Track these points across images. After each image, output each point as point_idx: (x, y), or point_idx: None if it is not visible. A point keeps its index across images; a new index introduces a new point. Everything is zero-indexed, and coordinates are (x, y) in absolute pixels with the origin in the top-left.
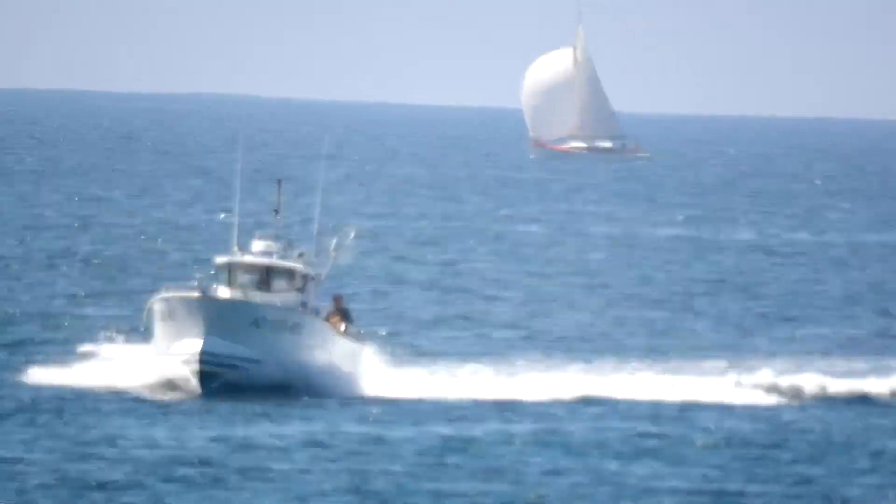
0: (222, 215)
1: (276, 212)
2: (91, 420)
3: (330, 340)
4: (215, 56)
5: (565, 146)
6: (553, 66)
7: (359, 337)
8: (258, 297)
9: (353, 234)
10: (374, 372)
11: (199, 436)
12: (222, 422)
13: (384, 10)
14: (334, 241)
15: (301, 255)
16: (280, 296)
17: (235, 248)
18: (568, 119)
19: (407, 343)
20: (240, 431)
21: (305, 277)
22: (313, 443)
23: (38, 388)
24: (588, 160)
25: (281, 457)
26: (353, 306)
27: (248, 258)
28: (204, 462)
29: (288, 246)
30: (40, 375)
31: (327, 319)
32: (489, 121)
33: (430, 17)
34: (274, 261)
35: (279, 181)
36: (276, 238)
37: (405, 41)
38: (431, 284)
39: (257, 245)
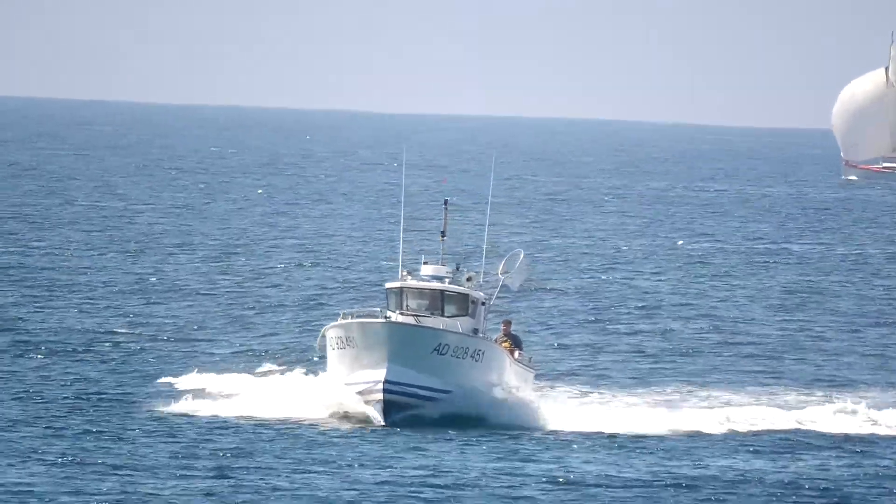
0: None
1: (443, 234)
2: (290, 454)
3: (507, 368)
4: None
5: (877, 167)
6: (865, 87)
7: (529, 364)
8: (431, 322)
9: (521, 257)
10: (547, 401)
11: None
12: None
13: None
14: (503, 263)
15: (470, 278)
16: (452, 321)
17: (404, 273)
18: (880, 139)
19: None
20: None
21: (476, 302)
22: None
23: (197, 419)
24: None
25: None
26: (518, 328)
27: (421, 283)
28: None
29: (457, 270)
30: (196, 406)
31: (497, 344)
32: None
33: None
34: (447, 285)
35: (445, 202)
36: (445, 261)
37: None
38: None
39: (426, 269)
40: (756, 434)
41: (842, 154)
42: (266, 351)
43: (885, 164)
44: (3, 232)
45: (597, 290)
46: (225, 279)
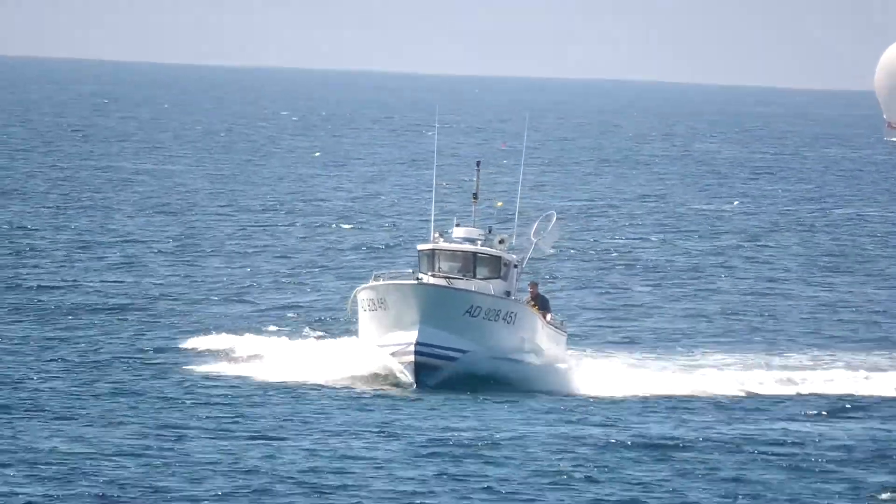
0: None
1: (475, 196)
2: (320, 417)
3: (539, 330)
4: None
5: None
6: None
7: (560, 326)
8: (463, 285)
9: (554, 219)
10: (578, 364)
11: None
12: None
13: None
14: (535, 226)
15: (502, 241)
16: (484, 283)
17: (436, 235)
18: None
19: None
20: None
21: (508, 265)
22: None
23: (228, 382)
24: None
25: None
26: (546, 289)
27: (453, 245)
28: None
29: (489, 232)
30: (223, 368)
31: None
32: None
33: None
34: (479, 248)
35: (478, 163)
36: (477, 224)
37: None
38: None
39: (459, 231)
40: (813, 396)
41: (885, 116)
42: (300, 312)
43: None
44: (54, 193)
45: (644, 252)
46: (266, 240)
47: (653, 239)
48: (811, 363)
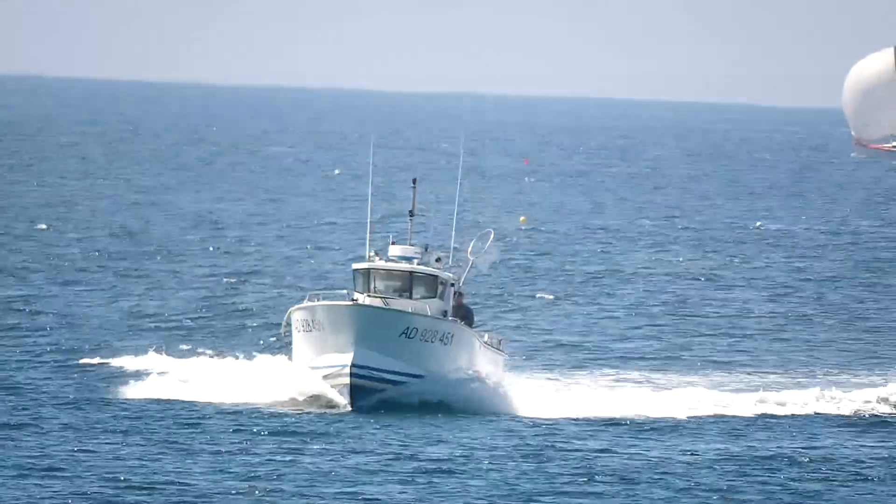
0: None
1: (412, 213)
2: (246, 440)
3: (477, 351)
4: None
5: (888, 146)
6: (874, 66)
7: (498, 346)
8: (399, 304)
9: (491, 237)
10: (518, 385)
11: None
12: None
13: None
14: (472, 243)
15: (439, 259)
16: (420, 303)
17: (372, 253)
18: (890, 118)
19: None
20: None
21: (445, 283)
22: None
23: (161, 404)
24: None
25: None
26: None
27: (390, 264)
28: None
29: (426, 250)
30: (148, 390)
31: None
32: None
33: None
34: (416, 267)
35: (414, 180)
36: (414, 242)
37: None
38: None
39: (395, 249)
40: (808, 415)
41: (852, 133)
42: (250, 333)
43: (895, 144)
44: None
45: (647, 272)
46: (216, 260)
47: (657, 258)
48: (791, 379)
